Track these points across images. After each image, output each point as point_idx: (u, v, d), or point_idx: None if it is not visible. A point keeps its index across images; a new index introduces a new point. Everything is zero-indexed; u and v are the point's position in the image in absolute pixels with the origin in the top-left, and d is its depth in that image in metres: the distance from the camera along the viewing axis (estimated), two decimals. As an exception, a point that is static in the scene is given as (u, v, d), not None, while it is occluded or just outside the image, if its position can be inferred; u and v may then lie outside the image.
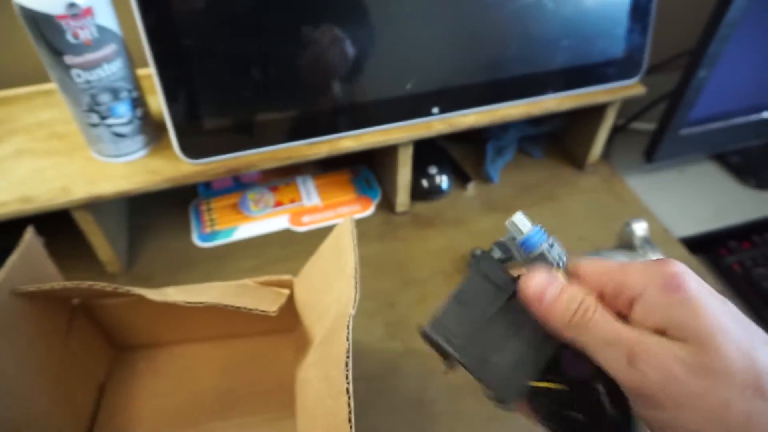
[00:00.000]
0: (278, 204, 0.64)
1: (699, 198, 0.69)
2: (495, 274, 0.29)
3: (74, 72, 0.44)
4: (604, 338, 0.24)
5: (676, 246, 0.61)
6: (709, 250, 0.65)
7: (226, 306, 0.38)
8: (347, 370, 0.32)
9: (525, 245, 0.28)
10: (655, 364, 0.22)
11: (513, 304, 0.28)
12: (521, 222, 0.28)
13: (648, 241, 0.51)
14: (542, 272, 0.27)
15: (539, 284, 0.27)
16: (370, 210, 0.64)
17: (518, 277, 0.28)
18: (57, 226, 0.51)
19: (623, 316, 0.25)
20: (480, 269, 0.29)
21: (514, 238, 0.29)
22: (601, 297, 0.26)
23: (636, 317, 0.24)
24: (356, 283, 0.36)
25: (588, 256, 0.52)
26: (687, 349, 0.22)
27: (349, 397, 0.31)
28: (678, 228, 0.64)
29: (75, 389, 0.45)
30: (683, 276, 0.24)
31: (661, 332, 0.23)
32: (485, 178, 0.68)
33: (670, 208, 0.67)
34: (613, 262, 0.27)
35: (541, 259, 0.28)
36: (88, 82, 0.45)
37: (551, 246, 0.28)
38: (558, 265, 0.28)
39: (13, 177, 0.50)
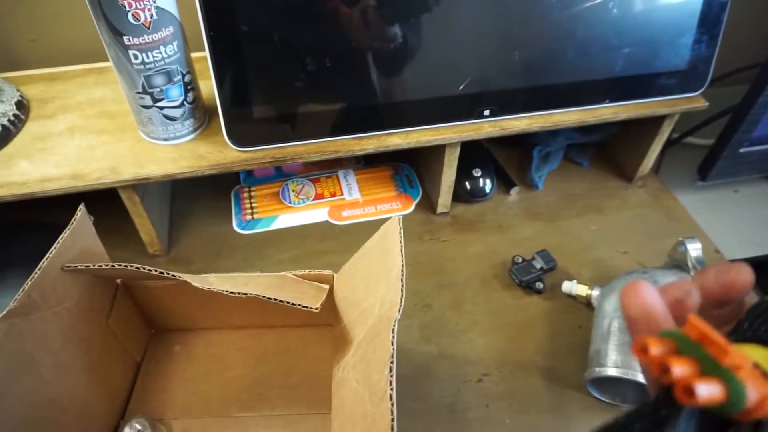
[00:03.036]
0: (319, 197, 0.64)
1: (754, 220, 0.66)
2: None
3: (132, 53, 0.44)
4: None
5: (728, 268, 0.58)
6: (763, 275, 0.62)
7: (269, 299, 0.38)
8: (391, 376, 0.31)
9: None
10: None
11: None
12: None
13: (701, 262, 0.49)
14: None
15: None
16: (410, 209, 0.63)
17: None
18: (102, 202, 0.52)
19: None
20: None
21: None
22: None
23: None
24: (402, 285, 0.36)
25: (633, 273, 0.50)
26: None
27: (392, 404, 0.30)
28: (730, 250, 0.61)
29: (113, 367, 0.45)
30: None
31: None
32: (529, 184, 0.66)
33: (723, 228, 0.64)
34: None
35: None
36: (144, 63, 0.45)
37: None
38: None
39: (65, 153, 0.51)
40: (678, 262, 0.50)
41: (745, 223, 0.66)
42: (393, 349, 0.32)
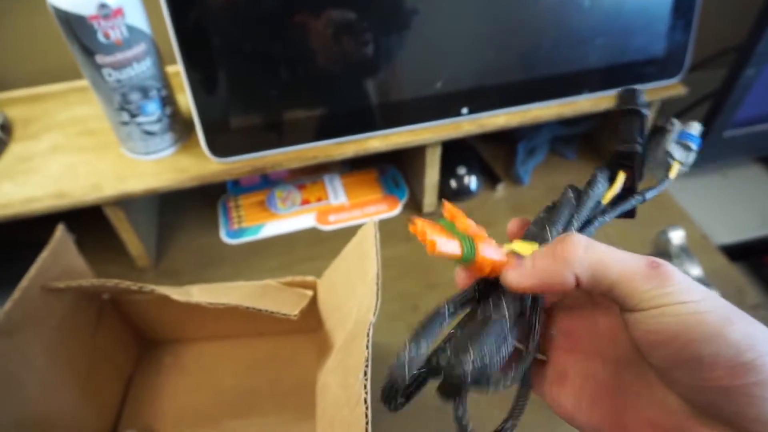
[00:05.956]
0: (305, 202, 0.64)
1: (743, 203, 0.66)
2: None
3: (105, 71, 0.45)
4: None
5: (715, 254, 0.58)
6: (753, 258, 0.62)
7: (247, 308, 0.38)
8: (365, 380, 0.31)
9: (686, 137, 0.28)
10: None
11: None
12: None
13: (685, 250, 0.49)
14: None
15: (516, 266, 0.24)
16: (396, 210, 0.64)
17: None
18: (91, 219, 0.53)
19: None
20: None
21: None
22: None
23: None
24: (378, 289, 0.36)
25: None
26: None
27: (366, 408, 0.30)
28: (719, 235, 0.61)
29: (103, 382, 0.46)
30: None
31: None
32: (515, 180, 0.66)
33: (711, 213, 0.64)
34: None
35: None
36: (118, 81, 0.45)
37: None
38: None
39: (48, 172, 0.51)
40: (662, 251, 0.50)
41: (734, 206, 0.66)
42: (368, 353, 0.33)
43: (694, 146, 0.28)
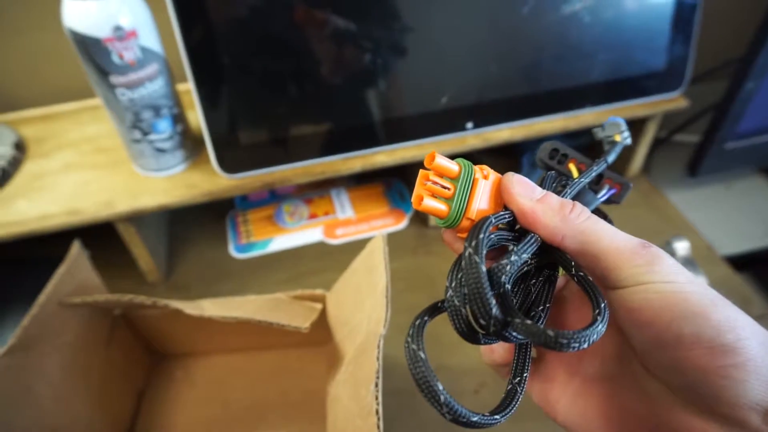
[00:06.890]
0: (312, 216, 0.65)
1: (747, 214, 0.67)
2: None
3: (119, 91, 0.46)
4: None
5: (720, 264, 0.58)
6: (758, 267, 0.62)
7: (259, 322, 0.39)
8: (377, 391, 0.32)
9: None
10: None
11: None
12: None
13: (691, 262, 0.49)
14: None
15: (525, 180, 0.23)
16: (403, 223, 0.64)
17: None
18: (102, 234, 0.53)
19: None
20: None
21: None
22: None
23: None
24: (387, 302, 0.36)
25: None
26: None
27: (378, 418, 0.31)
28: (724, 245, 0.61)
29: (115, 396, 0.46)
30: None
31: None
32: (520, 192, 0.67)
33: (716, 224, 0.64)
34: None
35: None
36: (131, 100, 0.47)
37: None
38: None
39: (62, 190, 0.52)
40: (667, 262, 0.51)
41: (739, 217, 0.66)
42: (379, 365, 0.33)
43: (616, 120, 0.30)
